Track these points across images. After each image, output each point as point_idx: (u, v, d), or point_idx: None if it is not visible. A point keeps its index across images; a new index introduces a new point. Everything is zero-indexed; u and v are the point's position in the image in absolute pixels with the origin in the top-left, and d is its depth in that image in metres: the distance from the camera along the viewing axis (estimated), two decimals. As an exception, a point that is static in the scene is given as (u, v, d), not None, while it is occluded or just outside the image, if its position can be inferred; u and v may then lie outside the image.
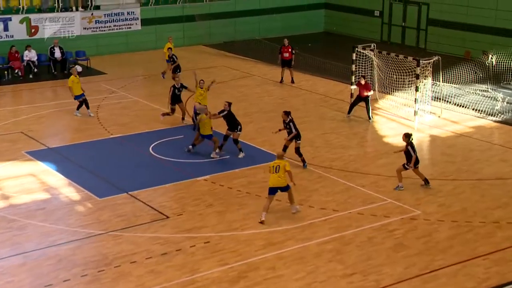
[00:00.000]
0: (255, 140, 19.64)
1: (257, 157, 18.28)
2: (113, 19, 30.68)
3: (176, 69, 25.17)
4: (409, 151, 16.09)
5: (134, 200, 15.72)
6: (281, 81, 26.31)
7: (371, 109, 21.64)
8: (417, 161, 16.19)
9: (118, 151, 19.09)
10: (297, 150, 17.51)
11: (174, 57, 25.43)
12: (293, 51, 26.09)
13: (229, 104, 18.24)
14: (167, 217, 14.87)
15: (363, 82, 21.42)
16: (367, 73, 23.61)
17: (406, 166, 16.13)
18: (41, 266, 12.82)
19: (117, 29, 30.92)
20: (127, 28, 31.19)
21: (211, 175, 17.09)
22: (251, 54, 30.72)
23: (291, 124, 17.28)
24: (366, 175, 17.06)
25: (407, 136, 16.22)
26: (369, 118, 21.59)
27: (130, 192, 16.11)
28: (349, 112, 21.87)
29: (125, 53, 30.96)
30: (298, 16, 35.85)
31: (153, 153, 18.69)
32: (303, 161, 17.57)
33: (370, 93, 21.57)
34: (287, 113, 17.34)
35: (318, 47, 32.37)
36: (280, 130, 17.62)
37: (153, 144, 19.27)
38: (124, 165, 17.99)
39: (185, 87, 20.90)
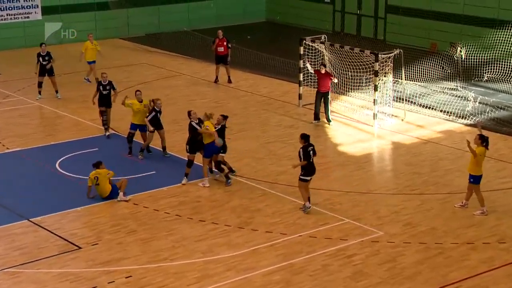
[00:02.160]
0: (186, 152, 19.57)
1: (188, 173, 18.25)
2: (6, 7, 30.12)
3: (51, 71, 24.01)
4: (299, 154, 16.02)
5: (37, 228, 15.42)
6: (216, 81, 26.38)
7: (330, 110, 21.94)
8: (310, 170, 16.04)
9: (16, 169, 18.71)
10: (219, 164, 17.57)
11: (50, 55, 23.99)
12: (230, 45, 26.22)
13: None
14: (79, 247, 14.66)
15: (323, 71, 21.69)
16: (317, 70, 23.93)
17: (300, 176, 16.03)
18: None
19: (11, 19, 30.35)
20: (25, 17, 30.65)
21: (133, 195, 16.94)
22: (179, 48, 30.68)
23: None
24: (319, 190, 17.26)
25: (304, 138, 16.03)
26: (328, 121, 21.87)
27: (32, 219, 15.79)
28: (316, 117, 21.98)
29: (22, 48, 30.39)
30: (235, 3, 36.08)
31: (60, 170, 18.41)
32: (227, 176, 17.58)
33: (335, 80, 21.94)
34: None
35: (259, 40, 32.61)
36: None
37: (60, 159, 18.99)
38: (24, 185, 17.64)
39: (114, 88, 20.67)
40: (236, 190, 17.38)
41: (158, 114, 19.06)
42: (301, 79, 23.75)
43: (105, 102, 20.54)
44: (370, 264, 14.07)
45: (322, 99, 21.79)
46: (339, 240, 15.00)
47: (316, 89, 22.10)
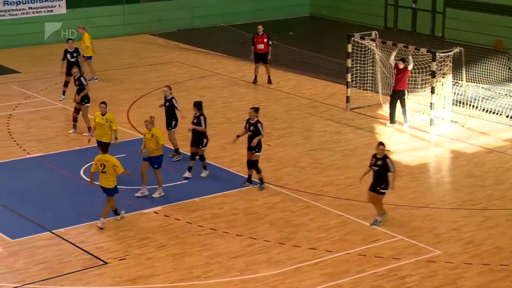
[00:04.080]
0: (221, 159, 19.66)
1: (223, 181, 18.28)
2: (28, 0, 30.52)
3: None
4: (386, 165, 15.92)
5: (59, 241, 15.57)
6: (255, 81, 26.44)
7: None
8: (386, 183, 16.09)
9: (37, 176, 18.91)
10: (255, 164, 17.69)
11: (78, 51, 24.31)
12: (270, 42, 26.26)
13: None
14: (105, 263, 14.77)
15: (402, 66, 21.60)
16: (367, 70, 23.84)
17: (381, 189, 16.01)
18: None
19: (33, 13, 30.75)
20: (48, 12, 31.03)
21: (164, 206, 17.04)
22: (215, 45, 30.81)
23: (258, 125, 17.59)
24: (368, 204, 17.17)
25: (382, 145, 16.05)
26: (406, 121, 21.96)
27: (54, 231, 15.95)
28: (392, 120, 22.11)
29: (45, 45, 30.79)
30: (276, -4, 36.16)
31: (85, 177, 18.57)
32: (261, 181, 17.79)
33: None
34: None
35: (302, 36, 32.60)
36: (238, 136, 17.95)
37: (85, 166, 19.15)
38: (46, 194, 17.83)
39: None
40: (277, 202, 17.37)
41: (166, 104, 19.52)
42: (349, 80, 23.66)
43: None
44: (426, 286, 13.95)
45: (398, 100, 21.82)
46: (391, 259, 14.90)
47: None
